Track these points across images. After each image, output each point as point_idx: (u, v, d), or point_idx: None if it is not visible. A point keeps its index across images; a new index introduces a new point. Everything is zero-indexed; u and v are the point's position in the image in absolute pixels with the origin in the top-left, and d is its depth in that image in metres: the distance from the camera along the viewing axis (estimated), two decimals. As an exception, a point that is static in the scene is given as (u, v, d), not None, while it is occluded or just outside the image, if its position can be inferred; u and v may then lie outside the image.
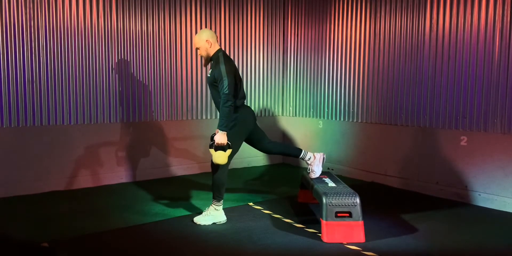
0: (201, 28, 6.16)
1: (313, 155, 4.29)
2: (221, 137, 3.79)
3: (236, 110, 3.93)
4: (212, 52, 3.98)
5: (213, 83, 3.92)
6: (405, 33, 5.33)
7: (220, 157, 3.79)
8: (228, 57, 4.00)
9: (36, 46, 5.00)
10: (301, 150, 4.30)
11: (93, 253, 3.38)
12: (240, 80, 4.03)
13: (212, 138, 3.91)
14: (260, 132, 4.25)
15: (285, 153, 4.43)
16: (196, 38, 3.99)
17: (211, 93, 4.05)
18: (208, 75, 4.00)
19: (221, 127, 3.79)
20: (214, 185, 3.99)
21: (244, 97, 4.08)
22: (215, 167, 3.94)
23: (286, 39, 7.04)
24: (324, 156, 4.35)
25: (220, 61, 3.87)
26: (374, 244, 3.51)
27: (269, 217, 4.24)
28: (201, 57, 4.08)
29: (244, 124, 4.02)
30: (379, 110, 5.68)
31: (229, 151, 3.84)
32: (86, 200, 4.82)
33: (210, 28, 6.24)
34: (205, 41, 3.94)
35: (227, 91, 3.76)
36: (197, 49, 4.03)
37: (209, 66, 4.11)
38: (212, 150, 3.83)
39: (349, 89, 6.05)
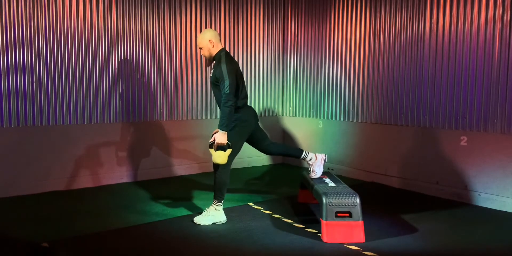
0: (201, 28, 6.16)
1: (315, 155, 4.30)
2: (221, 137, 3.79)
3: (238, 110, 3.93)
4: (214, 52, 3.98)
5: (215, 82, 3.92)
6: (405, 33, 5.32)
7: (220, 157, 3.78)
8: (231, 56, 4.00)
9: (36, 46, 5.00)
10: (302, 151, 4.30)
11: (93, 253, 3.38)
12: (242, 80, 4.03)
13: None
14: (262, 132, 4.24)
15: (286, 154, 4.43)
16: (199, 38, 4.00)
17: (213, 92, 4.06)
18: (211, 75, 4.00)
19: (221, 127, 3.79)
20: (216, 184, 3.98)
21: (246, 96, 4.08)
22: (217, 166, 3.93)
23: (286, 39, 7.04)
24: (326, 157, 4.35)
25: (222, 61, 3.87)
26: (374, 244, 3.51)
27: (269, 217, 4.24)
28: (203, 56, 4.07)
29: (246, 125, 4.01)
30: (379, 110, 5.67)
31: (229, 151, 3.83)
32: (86, 200, 4.82)
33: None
34: (208, 41, 3.94)
35: (228, 91, 3.76)
36: (200, 48, 4.03)
37: (211, 66, 4.12)
38: (212, 150, 3.83)
39: (349, 89, 6.05)
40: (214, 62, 4.01)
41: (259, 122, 4.20)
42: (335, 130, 6.24)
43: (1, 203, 4.64)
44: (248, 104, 4.16)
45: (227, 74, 3.78)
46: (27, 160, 5.02)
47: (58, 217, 4.19)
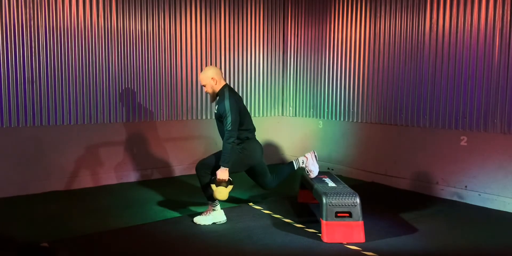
0: (201, 28, 6.16)
1: (305, 156, 4.32)
2: (222, 173, 3.80)
3: (245, 141, 3.98)
4: (218, 88, 4.01)
5: (219, 118, 3.96)
6: (405, 33, 5.32)
7: (221, 193, 3.81)
8: (234, 92, 4.04)
9: (36, 46, 5.00)
10: (292, 163, 4.34)
11: (93, 253, 3.38)
12: (248, 114, 4.06)
13: (214, 173, 3.91)
14: (264, 167, 4.26)
15: (285, 177, 4.39)
16: (201, 76, 4.03)
17: (218, 127, 4.09)
18: (215, 111, 4.03)
19: (223, 163, 3.80)
20: (202, 187, 4.03)
21: (254, 129, 4.11)
22: (200, 169, 3.98)
23: (286, 39, 7.04)
24: (315, 153, 4.36)
25: (226, 96, 3.90)
26: (374, 244, 3.51)
27: (269, 217, 4.24)
28: (208, 93, 4.11)
29: (249, 157, 4.06)
30: (379, 110, 5.67)
31: (230, 187, 3.85)
32: (86, 200, 4.82)
33: (210, 29, 6.25)
34: (211, 78, 3.97)
35: (230, 128, 3.79)
36: (203, 86, 4.05)
37: (215, 102, 4.13)
38: (213, 185, 3.84)
39: (349, 89, 6.04)
40: (218, 98, 4.03)
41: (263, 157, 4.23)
42: (335, 130, 6.24)
43: (1, 203, 4.64)
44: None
45: (230, 111, 3.81)
46: (27, 160, 5.02)
47: (58, 217, 4.20)
